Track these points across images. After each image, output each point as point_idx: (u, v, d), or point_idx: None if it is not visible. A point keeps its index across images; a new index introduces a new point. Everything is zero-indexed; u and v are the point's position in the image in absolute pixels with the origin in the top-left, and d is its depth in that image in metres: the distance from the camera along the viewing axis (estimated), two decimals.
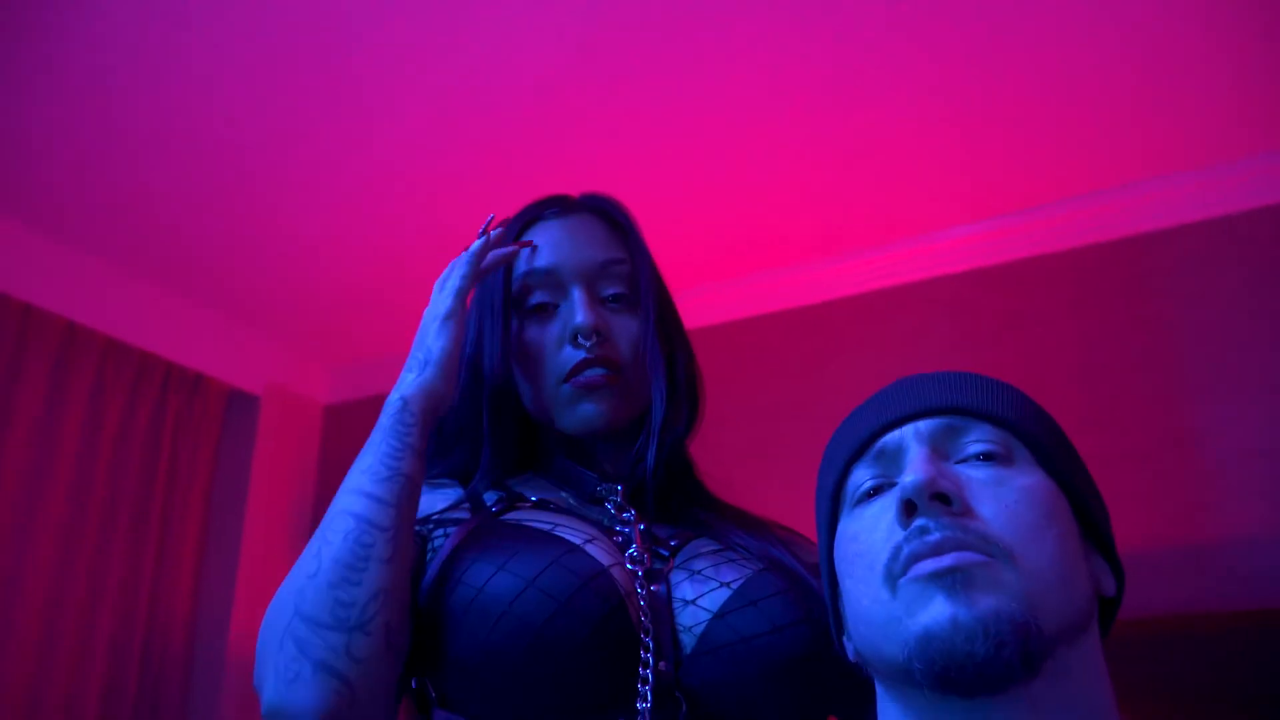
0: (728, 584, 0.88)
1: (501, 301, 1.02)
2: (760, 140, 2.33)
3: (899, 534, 0.64)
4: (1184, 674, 2.07)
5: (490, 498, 0.97)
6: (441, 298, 0.99)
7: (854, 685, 0.84)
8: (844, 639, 0.74)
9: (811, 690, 0.86)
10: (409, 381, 0.94)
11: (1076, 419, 2.42)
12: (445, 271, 1.02)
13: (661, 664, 0.83)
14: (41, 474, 2.73)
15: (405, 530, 0.84)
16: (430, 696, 0.87)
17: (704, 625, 0.85)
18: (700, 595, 0.88)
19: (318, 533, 0.83)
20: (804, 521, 1.00)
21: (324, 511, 2.80)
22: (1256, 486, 2.19)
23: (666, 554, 0.92)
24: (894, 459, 0.69)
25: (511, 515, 0.92)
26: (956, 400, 0.70)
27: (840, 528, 0.71)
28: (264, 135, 2.35)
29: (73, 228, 2.73)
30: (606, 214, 1.07)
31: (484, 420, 1.02)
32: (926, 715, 0.64)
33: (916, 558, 0.62)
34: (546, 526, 0.90)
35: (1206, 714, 2.05)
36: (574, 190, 1.13)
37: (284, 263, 2.88)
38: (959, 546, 0.61)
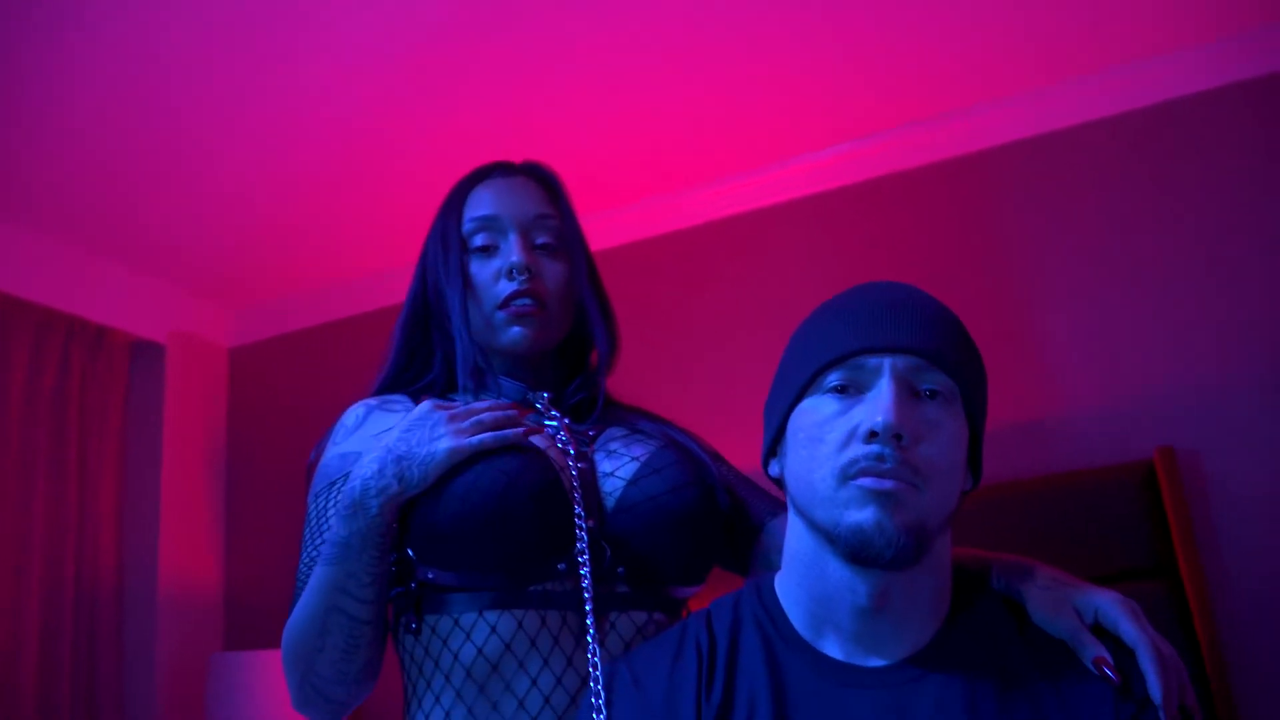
0: (636, 458, 1.14)
1: (455, 241, 1.21)
2: (631, 76, 2.50)
3: (859, 448, 0.84)
4: (1030, 528, 2.40)
5: None
6: (446, 441, 1.06)
7: (729, 537, 1.19)
8: (772, 460, 0.96)
9: (699, 535, 1.13)
10: (391, 491, 1.05)
11: (957, 307, 2.71)
12: (430, 416, 1.10)
13: (590, 521, 1.07)
14: None
15: (382, 606, 1.09)
16: (411, 558, 1.08)
17: (620, 490, 1.11)
18: (616, 468, 1.13)
19: (317, 614, 1.06)
20: (686, 422, 1.27)
21: (237, 450, 2.99)
22: (1081, 368, 2.54)
23: (587, 440, 1.17)
24: (868, 376, 0.87)
25: None
26: (929, 345, 0.87)
27: (807, 401, 0.90)
28: (159, 84, 2.38)
29: None
30: (543, 178, 1.29)
31: (434, 333, 1.23)
32: (826, 552, 0.88)
33: (866, 473, 0.84)
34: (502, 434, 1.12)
35: (1047, 561, 2.38)
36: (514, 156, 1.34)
37: (181, 212, 2.93)
38: (898, 477, 0.83)
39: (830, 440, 0.86)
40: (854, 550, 0.84)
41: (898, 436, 0.83)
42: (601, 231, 3.10)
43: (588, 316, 1.26)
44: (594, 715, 0.93)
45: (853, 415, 0.86)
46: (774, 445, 0.95)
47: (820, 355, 0.89)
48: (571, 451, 1.12)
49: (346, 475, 1.13)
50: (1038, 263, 2.62)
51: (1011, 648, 0.88)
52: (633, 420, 1.23)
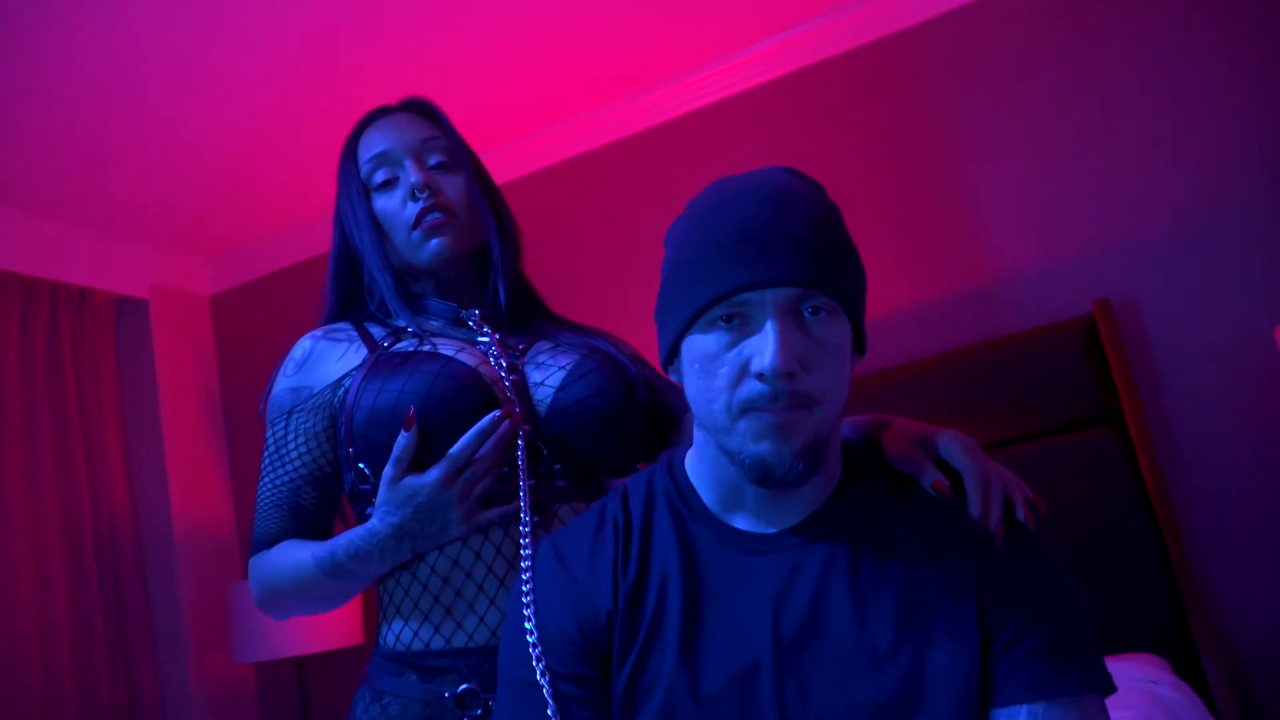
0: (563, 367, 1.24)
1: (358, 185, 1.30)
2: None
3: (752, 385, 0.88)
4: (980, 393, 2.51)
5: (378, 333, 1.29)
6: (457, 529, 1.16)
7: (651, 433, 1.29)
8: (670, 369, 1.00)
9: (624, 430, 1.24)
10: (401, 558, 1.18)
11: (872, 196, 2.80)
12: (413, 500, 1.15)
13: (526, 427, 1.18)
14: None
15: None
16: (369, 477, 1.20)
17: (550, 397, 1.22)
18: (545, 378, 1.24)
19: (310, 586, 1.19)
20: (621, 327, 1.35)
21: (231, 391, 3.11)
22: (1017, 231, 2.61)
23: (518, 354, 1.26)
24: (752, 310, 0.90)
25: (399, 345, 1.24)
26: (806, 274, 0.88)
27: (696, 333, 0.93)
28: (117, 53, 2.41)
29: None
30: (421, 108, 1.37)
31: (363, 277, 1.32)
32: (732, 469, 0.95)
33: (759, 408, 0.88)
34: (427, 348, 1.22)
35: (1002, 421, 2.49)
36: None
37: (148, 170, 2.98)
38: (788, 408, 0.88)
39: (722, 374, 0.90)
40: (756, 477, 0.90)
41: (788, 375, 0.87)
42: (558, 144, 3.16)
43: (483, 221, 1.34)
44: (522, 588, 1.01)
45: (742, 350, 0.89)
46: (670, 358, 0.99)
47: (702, 291, 0.91)
48: (504, 365, 1.22)
49: (296, 407, 1.24)
50: (974, 131, 2.67)
51: (889, 507, 0.98)
52: (556, 333, 1.33)
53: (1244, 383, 2.36)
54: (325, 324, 1.37)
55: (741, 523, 0.98)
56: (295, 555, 1.19)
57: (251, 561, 1.26)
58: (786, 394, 0.87)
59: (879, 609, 0.92)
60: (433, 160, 1.31)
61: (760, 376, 0.87)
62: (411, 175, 1.28)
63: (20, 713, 2.81)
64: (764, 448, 0.88)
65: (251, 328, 3.64)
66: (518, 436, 1.16)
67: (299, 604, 1.22)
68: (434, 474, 1.13)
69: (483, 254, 1.36)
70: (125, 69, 2.50)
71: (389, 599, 1.21)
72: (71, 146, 2.80)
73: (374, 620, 3.24)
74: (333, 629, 3.01)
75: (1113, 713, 1.70)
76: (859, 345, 0.98)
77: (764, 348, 0.87)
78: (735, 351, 0.90)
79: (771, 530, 0.97)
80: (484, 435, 1.14)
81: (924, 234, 2.70)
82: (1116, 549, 2.30)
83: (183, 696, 3.22)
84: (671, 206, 3.05)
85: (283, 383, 1.29)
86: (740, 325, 0.90)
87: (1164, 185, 2.47)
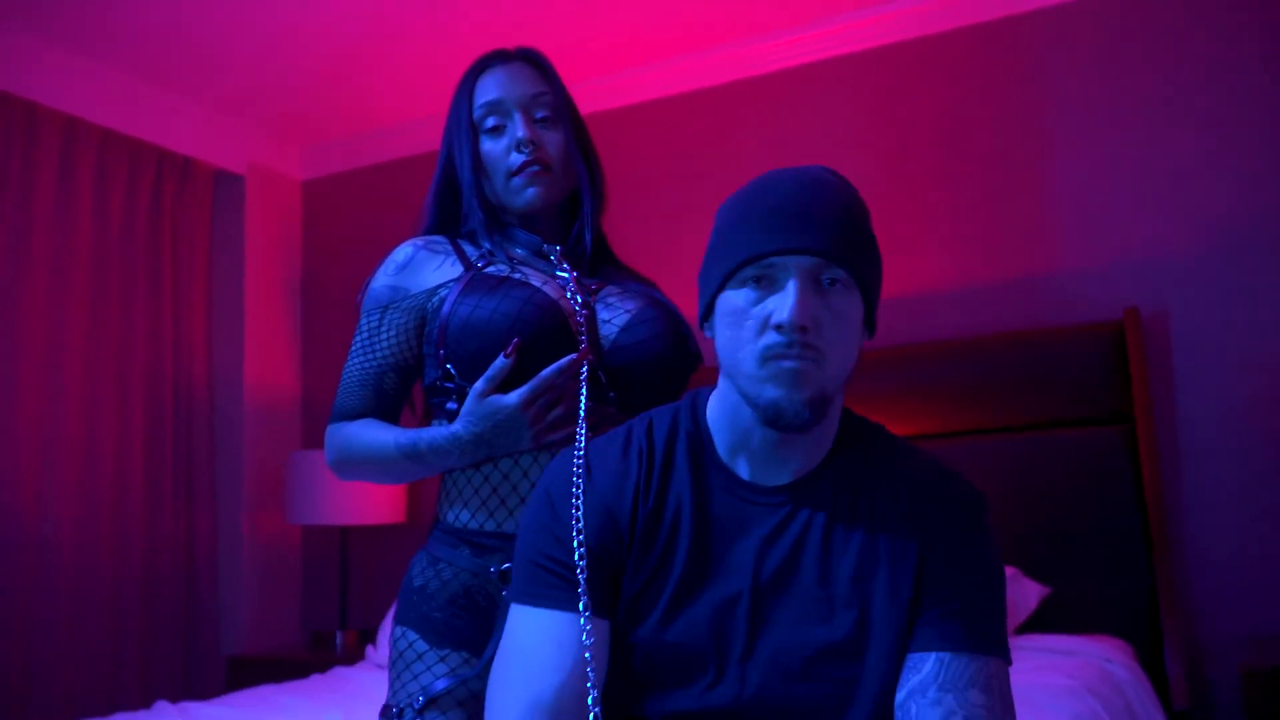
0: (628, 311, 1.42)
1: (468, 125, 1.47)
2: None
3: (772, 336, 1.02)
4: (1010, 377, 2.67)
5: (472, 253, 1.47)
6: (511, 436, 1.33)
7: (690, 373, 1.46)
8: (705, 326, 1.13)
9: (671, 370, 1.43)
10: (478, 458, 1.36)
11: (932, 176, 2.92)
12: (494, 417, 1.32)
13: (590, 357, 1.37)
14: (64, 254, 3.15)
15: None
16: (455, 376, 1.39)
17: (614, 335, 1.40)
18: (612, 318, 1.41)
19: (386, 464, 1.40)
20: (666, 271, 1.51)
21: (311, 274, 3.38)
22: (1066, 228, 2.74)
23: (590, 292, 1.44)
24: (778, 273, 1.04)
25: (491, 269, 1.42)
26: (828, 247, 1.02)
27: (729, 289, 1.07)
28: None
29: (65, 30, 3.02)
30: (535, 61, 1.51)
31: (462, 204, 1.50)
32: (751, 415, 1.10)
33: (780, 356, 1.01)
34: (519, 276, 1.41)
35: (1023, 407, 2.65)
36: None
37: (262, 50, 3.18)
38: (801, 358, 1.01)
39: (749, 326, 1.04)
40: (769, 419, 1.04)
41: (802, 328, 1.01)
42: (631, 88, 3.31)
43: (579, 175, 1.50)
44: (574, 486, 1.14)
45: (766, 305, 1.03)
46: (707, 315, 1.15)
47: (738, 253, 1.05)
48: (578, 302, 1.41)
49: (393, 304, 1.44)
50: (1038, 128, 2.78)
51: (865, 481, 1.11)
52: (624, 280, 1.51)
53: (1253, 402, 2.49)
54: (425, 234, 1.52)
55: (744, 470, 1.11)
56: (378, 435, 1.39)
57: (331, 428, 1.46)
58: (800, 344, 1.01)
59: (840, 566, 1.07)
60: (539, 114, 1.46)
61: (779, 328, 1.01)
62: (519, 129, 1.44)
63: (93, 539, 3.13)
64: (779, 393, 1.02)
65: (337, 216, 3.87)
66: (583, 372, 1.35)
67: (370, 474, 1.43)
68: (515, 398, 1.31)
69: (568, 200, 1.53)
70: None
71: (454, 484, 1.41)
72: (191, 20, 2.99)
73: (417, 503, 3.51)
74: (379, 505, 3.28)
75: (1058, 680, 1.90)
76: (870, 325, 1.11)
77: (785, 303, 1.01)
78: (760, 307, 1.03)
79: (767, 484, 1.11)
80: (563, 372, 1.32)
81: (979, 220, 2.83)
82: (1106, 539, 2.47)
83: (235, 545, 3.53)
84: (742, 162, 3.23)
85: (382, 280, 1.47)
86: (767, 285, 1.04)
87: (1205, 200, 2.59)
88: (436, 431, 1.36)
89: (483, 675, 1.29)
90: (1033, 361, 2.65)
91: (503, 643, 1.11)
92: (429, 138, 3.68)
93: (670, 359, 1.42)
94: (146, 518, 3.29)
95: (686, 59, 3.23)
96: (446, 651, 1.34)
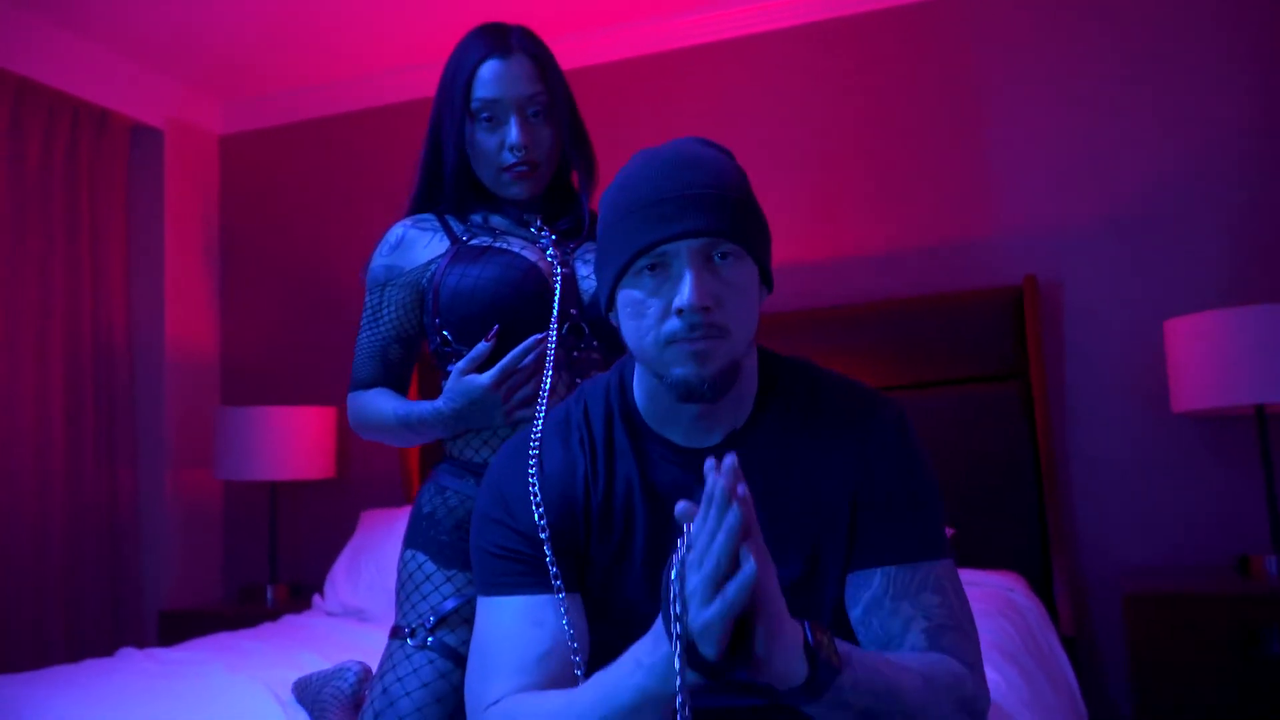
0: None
1: (460, 114, 1.56)
2: None
3: (674, 321, 1.05)
4: (919, 338, 2.90)
5: (458, 228, 1.58)
6: (484, 413, 1.47)
7: None
8: (610, 315, 1.16)
9: None
10: (449, 406, 1.48)
11: (865, 147, 3.09)
12: (470, 395, 1.45)
13: (573, 310, 1.50)
14: None
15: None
16: (450, 339, 1.51)
17: (591, 290, 1.53)
18: (587, 275, 1.54)
19: (391, 432, 1.55)
20: None
21: (230, 229, 3.46)
22: (997, 195, 2.98)
23: (569, 251, 1.57)
24: (671, 258, 1.07)
25: (475, 240, 1.55)
26: (715, 225, 1.06)
27: (627, 280, 1.10)
28: None
29: None
30: (533, 54, 1.58)
31: (446, 185, 1.60)
32: (664, 389, 1.12)
33: (685, 340, 1.05)
34: (501, 245, 1.53)
35: (933, 365, 2.89)
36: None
37: (183, 7, 3.17)
38: (705, 337, 1.05)
39: (650, 315, 1.08)
40: (681, 395, 1.08)
41: (704, 309, 1.05)
42: (574, 52, 3.41)
43: (571, 161, 1.62)
44: (529, 465, 1.20)
45: (664, 293, 1.08)
46: (609, 306, 1.16)
47: (630, 245, 1.08)
48: (557, 264, 1.54)
49: (390, 281, 1.56)
50: (958, 110, 3.02)
51: (795, 427, 1.17)
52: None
53: (1133, 363, 2.79)
54: (412, 208, 1.63)
55: (678, 437, 1.17)
56: (382, 404, 1.54)
57: (350, 395, 1.60)
58: (703, 325, 1.05)
59: (785, 509, 1.14)
60: (532, 111, 1.55)
61: (680, 313, 1.05)
62: (512, 133, 1.53)
63: (15, 494, 3.10)
64: (687, 370, 1.07)
65: (256, 173, 3.86)
66: (549, 353, 1.46)
67: (382, 438, 1.58)
68: (486, 379, 1.45)
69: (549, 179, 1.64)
70: None
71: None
72: None
73: (346, 459, 3.58)
74: (309, 461, 3.33)
75: (973, 605, 2.13)
76: (766, 283, 1.16)
77: (682, 289, 1.05)
78: (658, 295, 1.08)
79: (703, 446, 1.16)
80: (526, 352, 1.45)
81: (897, 191, 3.06)
82: (1004, 483, 2.74)
83: (158, 501, 3.53)
84: (683, 128, 3.35)
85: (379, 260, 1.59)
86: (662, 272, 1.08)
87: (1105, 182, 2.86)
88: (426, 405, 1.50)
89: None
90: (943, 323, 2.88)
91: (476, 634, 1.15)
92: (350, 97, 3.71)
93: None
94: (69, 468, 3.27)
95: (629, 26, 3.34)
96: (453, 572, 1.47)
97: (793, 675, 0.91)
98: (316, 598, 2.98)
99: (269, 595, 3.35)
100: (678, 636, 0.88)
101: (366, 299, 1.60)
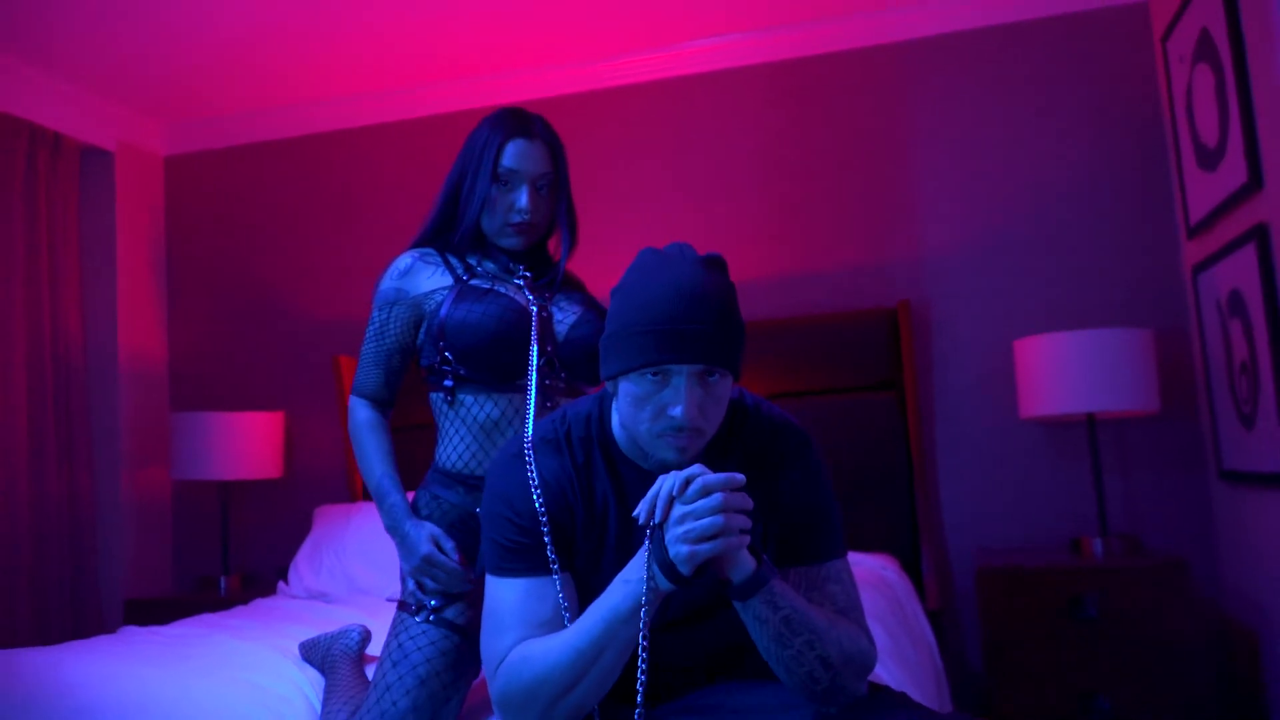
0: (575, 312, 1.91)
1: (490, 170, 1.88)
2: None
3: (666, 421, 1.29)
4: (806, 353, 3.33)
5: (457, 266, 1.92)
6: (403, 550, 1.78)
7: None
8: (609, 384, 1.38)
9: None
10: (398, 530, 1.80)
11: (760, 183, 3.51)
12: (404, 545, 1.78)
13: (549, 347, 1.85)
14: None
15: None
16: (450, 359, 1.84)
17: (565, 331, 1.88)
18: (564, 317, 1.90)
19: (371, 465, 1.86)
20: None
21: (176, 247, 3.97)
22: (876, 226, 3.43)
23: (546, 298, 1.92)
24: (672, 375, 1.30)
25: (474, 281, 1.88)
26: (711, 358, 1.29)
27: (633, 376, 1.31)
28: None
29: None
30: (551, 142, 1.93)
31: (458, 230, 1.93)
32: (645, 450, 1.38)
33: (670, 435, 1.30)
34: (500, 289, 1.87)
35: (820, 376, 3.33)
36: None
37: (137, 27, 3.38)
38: (688, 437, 1.30)
39: (647, 410, 1.32)
40: (659, 468, 1.37)
41: (692, 426, 1.31)
42: (547, 83, 3.75)
43: (561, 229, 1.97)
44: (527, 470, 1.45)
45: (663, 397, 1.31)
46: (609, 378, 1.38)
47: (641, 357, 1.31)
48: (535, 306, 1.89)
49: (397, 301, 1.89)
50: (845, 152, 3.46)
51: (734, 456, 1.44)
52: (570, 290, 2.00)
53: (989, 376, 3.28)
54: (421, 239, 1.96)
55: (646, 464, 1.43)
56: (374, 462, 1.85)
57: (353, 400, 1.91)
58: (689, 429, 1.31)
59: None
60: (541, 185, 1.90)
61: (672, 419, 1.30)
62: (523, 199, 1.87)
63: None
64: (670, 455, 1.32)
65: (200, 191, 4.11)
66: (537, 351, 1.83)
67: (359, 461, 1.92)
68: (416, 558, 1.75)
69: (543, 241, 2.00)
70: None
71: (449, 427, 1.87)
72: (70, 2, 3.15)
73: (292, 461, 3.88)
74: (258, 461, 3.63)
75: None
76: (738, 377, 1.41)
77: (678, 402, 1.29)
78: (657, 398, 1.31)
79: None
80: (435, 568, 1.74)
81: (789, 222, 3.49)
82: (883, 478, 3.19)
83: (113, 499, 3.78)
84: (645, 160, 3.75)
85: (389, 282, 1.91)
86: (663, 380, 1.31)
87: (973, 214, 3.33)
88: (393, 497, 1.83)
89: (479, 580, 1.78)
90: (830, 339, 3.31)
91: (487, 603, 1.42)
92: (286, 123, 4.00)
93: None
94: (32, 469, 3.51)
95: (598, 63, 3.69)
96: None
97: (744, 566, 1.23)
98: (281, 584, 3.28)
99: (222, 585, 3.63)
100: (653, 553, 1.23)
101: (374, 314, 1.91)
